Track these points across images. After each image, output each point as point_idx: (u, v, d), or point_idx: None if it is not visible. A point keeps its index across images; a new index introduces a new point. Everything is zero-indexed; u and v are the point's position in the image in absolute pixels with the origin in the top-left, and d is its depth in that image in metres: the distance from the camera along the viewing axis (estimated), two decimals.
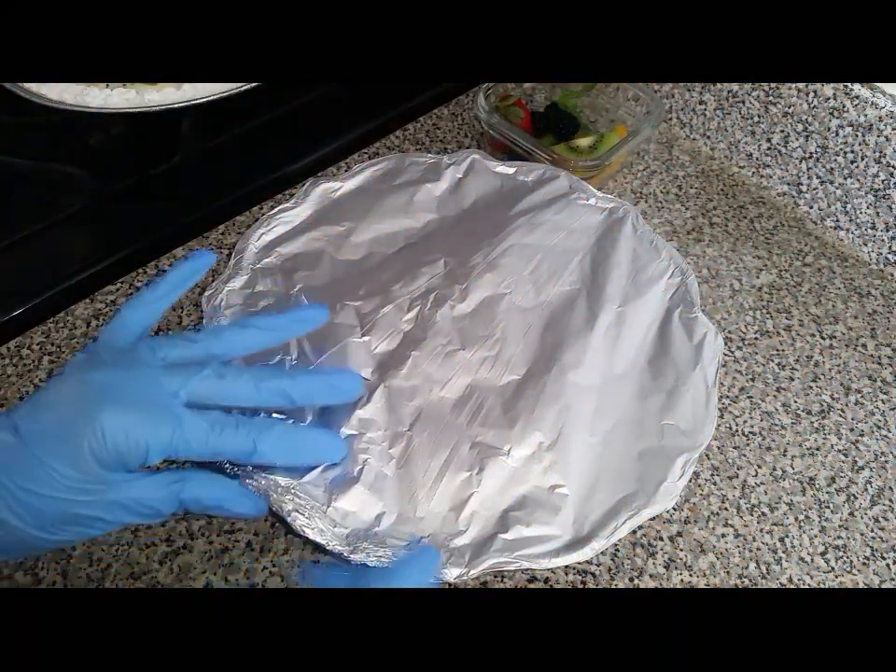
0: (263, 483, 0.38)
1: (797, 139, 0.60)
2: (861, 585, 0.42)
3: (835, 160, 0.58)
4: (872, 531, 0.44)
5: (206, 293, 0.47)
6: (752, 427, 0.48)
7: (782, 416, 0.49)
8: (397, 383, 0.43)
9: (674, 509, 0.43)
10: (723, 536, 0.43)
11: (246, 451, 0.32)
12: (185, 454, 0.30)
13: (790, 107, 0.59)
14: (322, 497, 0.38)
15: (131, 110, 0.52)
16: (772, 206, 0.62)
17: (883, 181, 0.56)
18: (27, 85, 0.51)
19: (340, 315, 0.46)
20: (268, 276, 0.48)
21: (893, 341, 0.54)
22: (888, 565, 0.43)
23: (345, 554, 0.36)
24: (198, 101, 0.52)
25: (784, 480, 0.46)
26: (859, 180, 0.57)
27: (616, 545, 0.42)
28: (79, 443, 0.28)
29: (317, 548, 0.38)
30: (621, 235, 0.53)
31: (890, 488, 0.46)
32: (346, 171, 0.56)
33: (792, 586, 0.42)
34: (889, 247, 0.58)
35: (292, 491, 0.38)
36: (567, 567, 0.40)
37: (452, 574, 0.36)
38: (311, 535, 0.37)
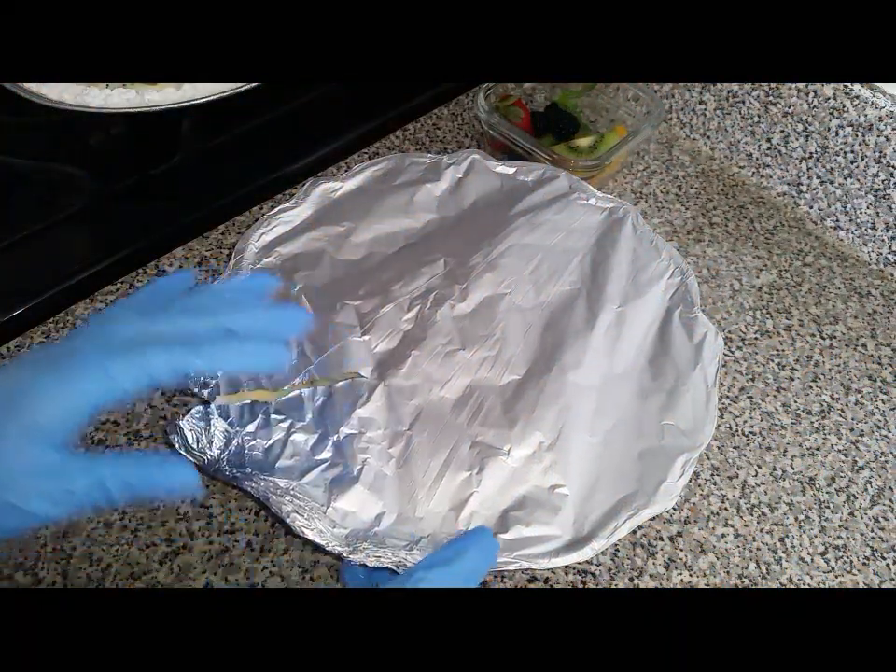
0: (262, 484, 0.38)
1: (797, 139, 0.60)
2: (861, 585, 0.42)
3: (835, 160, 0.58)
4: (872, 531, 0.44)
5: None
6: (752, 427, 0.48)
7: (782, 416, 0.49)
8: (396, 382, 0.43)
9: (674, 509, 0.43)
10: (723, 536, 0.43)
11: (182, 364, 0.29)
12: (121, 393, 0.28)
13: (790, 107, 0.59)
14: (322, 498, 0.38)
15: (131, 110, 0.52)
16: (772, 206, 0.62)
17: (883, 181, 0.56)
18: (27, 85, 0.51)
19: (340, 315, 0.46)
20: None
21: (893, 341, 0.54)
22: (888, 565, 0.43)
23: (345, 555, 0.36)
24: (198, 101, 0.52)
25: (784, 480, 0.46)
26: (859, 180, 0.57)
27: (616, 545, 0.42)
28: (7, 416, 0.27)
29: (317, 548, 0.38)
30: (621, 235, 0.53)
31: (890, 488, 0.46)
32: (346, 171, 0.56)
33: (792, 586, 0.42)
34: (889, 247, 0.58)
35: (291, 492, 0.38)
36: (566, 566, 0.40)
37: None
38: (310, 536, 0.37)
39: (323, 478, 0.39)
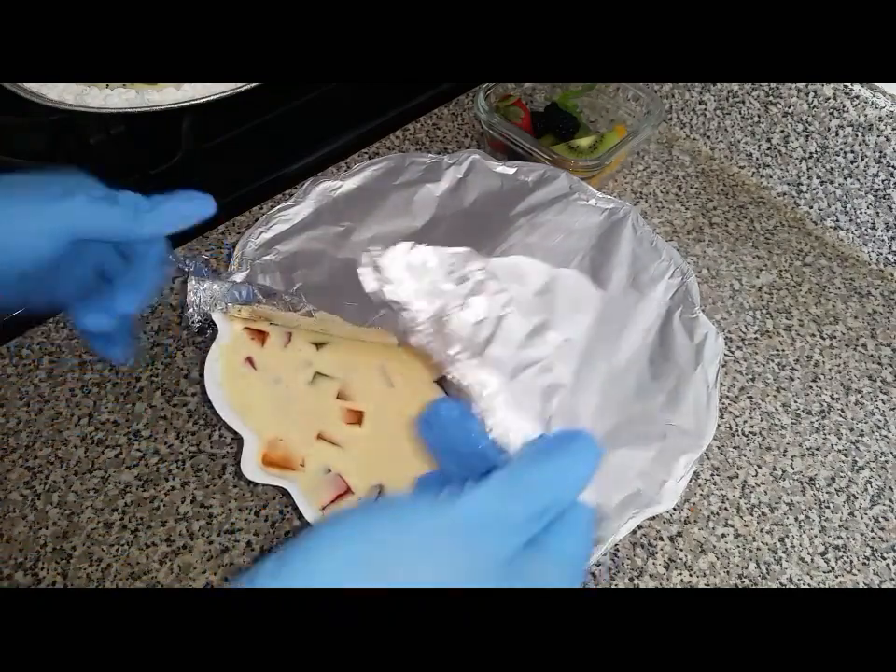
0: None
1: (797, 139, 0.60)
2: (861, 585, 0.42)
3: (835, 160, 0.58)
4: (872, 531, 0.44)
5: None
6: (752, 427, 0.48)
7: (782, 416, 0.49)
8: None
9: (674, 509, 0.43)
10: (723, 536, 0.43)
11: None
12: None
13: (790, 107, 0.59)
14: None
15: (131, 110, 0.52)
16: (772, 206, 0.62)
17: (883, 181, 0.56)
18: (27, 85, 0.51)
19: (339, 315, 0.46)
20: (267, 273, 0.48)
21: (893, 341, 0.54)
22: (888, 565, 0.43)
23: None
24: (198, 101, 0.52)
25: (784, 480, 0.46)
26: (859, 180, 0.57)
27: (616, 545, 0.42)
28: None
29: None
30: (621, 236, 0.53)
31: (890, 488, 0.46)
32: (346, 170, 0.56)
33: (792, 586, 0.42)
34: (889, 247, 0.58)
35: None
36: None
37: None
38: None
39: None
